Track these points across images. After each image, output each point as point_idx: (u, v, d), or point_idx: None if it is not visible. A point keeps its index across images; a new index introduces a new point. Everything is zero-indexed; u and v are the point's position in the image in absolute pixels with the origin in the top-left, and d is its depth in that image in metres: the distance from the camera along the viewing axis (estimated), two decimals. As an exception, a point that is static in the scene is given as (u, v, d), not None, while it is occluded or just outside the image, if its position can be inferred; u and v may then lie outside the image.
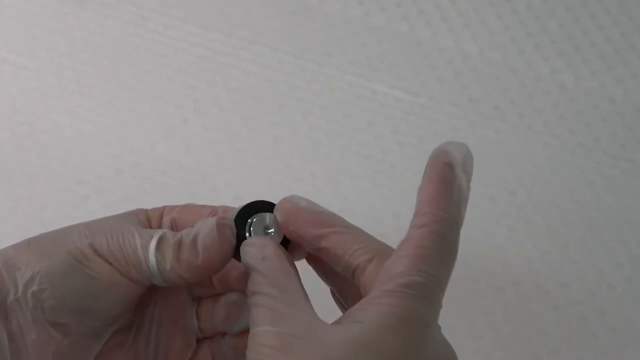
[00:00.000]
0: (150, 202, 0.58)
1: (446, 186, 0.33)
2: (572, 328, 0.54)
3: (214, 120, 0.61)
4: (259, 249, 0.33)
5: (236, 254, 0.35)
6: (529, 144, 0.61)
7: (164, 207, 0.39)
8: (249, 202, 0.36)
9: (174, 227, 0.38)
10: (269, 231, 0.36)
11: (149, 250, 0.34)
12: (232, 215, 0.36)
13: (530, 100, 0.63)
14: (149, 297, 0.38)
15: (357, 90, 0.63)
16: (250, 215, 0.36)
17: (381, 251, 0.34)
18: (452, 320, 0.53)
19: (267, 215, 0.36)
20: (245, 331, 0.37)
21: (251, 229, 0.36)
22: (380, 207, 0.57)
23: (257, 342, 0.30)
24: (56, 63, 0.64)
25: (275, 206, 0.36)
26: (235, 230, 0.35)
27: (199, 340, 0.39)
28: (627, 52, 0.65)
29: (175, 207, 0.39)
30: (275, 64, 0.64)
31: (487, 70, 0.64)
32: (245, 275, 0.35)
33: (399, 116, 0.61)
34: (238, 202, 0.58)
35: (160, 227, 0.38)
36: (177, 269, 0.34)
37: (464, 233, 0.55)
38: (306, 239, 0.35)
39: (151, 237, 0.34)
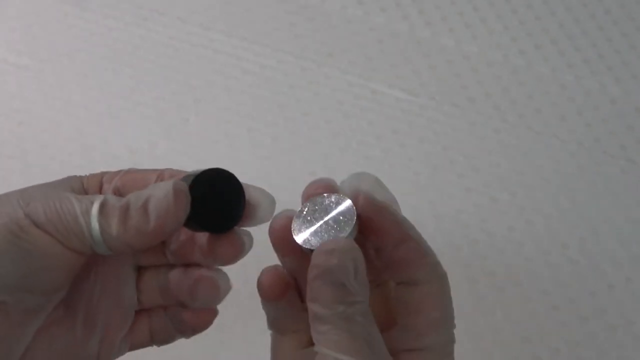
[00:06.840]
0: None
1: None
2: (572, 328, 0.54)
3: (214, 120, 0.61)
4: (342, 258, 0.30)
5: (188, 222, 0.31)
6: (529, 144, 0.61)
7: (103, 174, 0.35)
8: (204, 169, 0.32)
9: (118, 195, 0.34)
10: (344, 225, 0.32)
11: (90, 216, 0.31)
12: (187, 181, 0.32)
13: (530, 100, 0.63)
14: (88, 268, 0.35)
15: (357, 90, 0.63)
16: (207, 183, 0.31)
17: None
18: (452, 320, 0.53)
19: (345, 203, 0.33)
20: (202, 309, 0.35)
21: (307, 209, 0.32)
22: (380, 207, 0.57)
23: None
24: (56, 63, 0.64)
25: (355, 200, 0.33)
26: (190, 198, 0.31)
27: (136, 312, 0.36)
28: (627, 52, 0.65)
29: (117, 173, 0.35)
30: (275, 64, 0.64)
31: (487, 70, 0.64)
32: (204, 249, 0.33)
33: (399, 116, 0.61)
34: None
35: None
36: (123, 236, 0.31)
37: (465, 233, 0.55)
38: (382, 242, 0.33)
39: (92, 203, 0.31)
